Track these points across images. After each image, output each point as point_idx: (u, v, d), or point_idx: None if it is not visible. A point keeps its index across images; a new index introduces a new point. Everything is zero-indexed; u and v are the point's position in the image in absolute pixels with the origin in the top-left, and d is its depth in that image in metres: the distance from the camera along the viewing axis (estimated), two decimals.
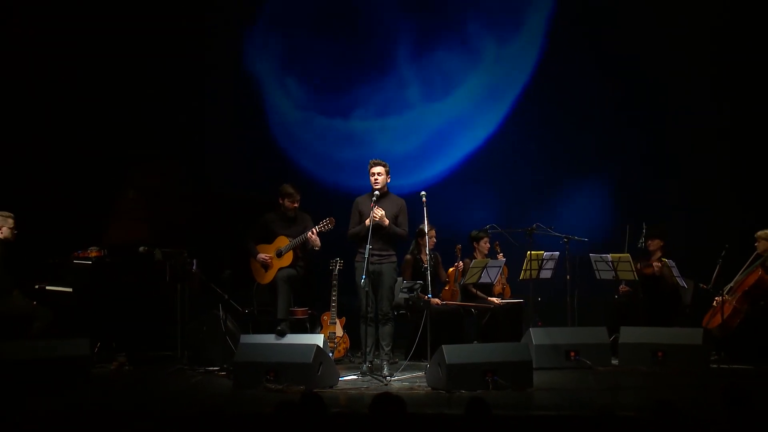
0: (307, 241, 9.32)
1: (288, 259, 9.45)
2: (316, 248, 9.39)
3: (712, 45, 11.17)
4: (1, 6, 10.96)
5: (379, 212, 8.70)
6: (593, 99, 11.51)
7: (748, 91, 11.06)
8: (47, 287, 9.49)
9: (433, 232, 9.56)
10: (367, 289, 8.74)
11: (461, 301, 10.01)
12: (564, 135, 11.60)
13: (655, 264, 9.90)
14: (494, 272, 9.88)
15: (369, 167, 8.91)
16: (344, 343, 9.66)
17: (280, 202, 9.55)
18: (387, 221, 8.75)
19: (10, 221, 9.24)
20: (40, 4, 11.10)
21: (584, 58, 11.51)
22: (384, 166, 8.92)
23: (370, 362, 8.86)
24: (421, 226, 9.33)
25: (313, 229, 9.29)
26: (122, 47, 11.24)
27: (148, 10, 11.28)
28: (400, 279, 9.50)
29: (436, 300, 9.62)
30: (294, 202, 9.53)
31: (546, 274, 9.88)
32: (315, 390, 7.35)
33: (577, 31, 11.58)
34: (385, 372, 8.69)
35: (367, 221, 8.72)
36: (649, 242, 9.93)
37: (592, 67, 11.45)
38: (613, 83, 11.42)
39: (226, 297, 9.37)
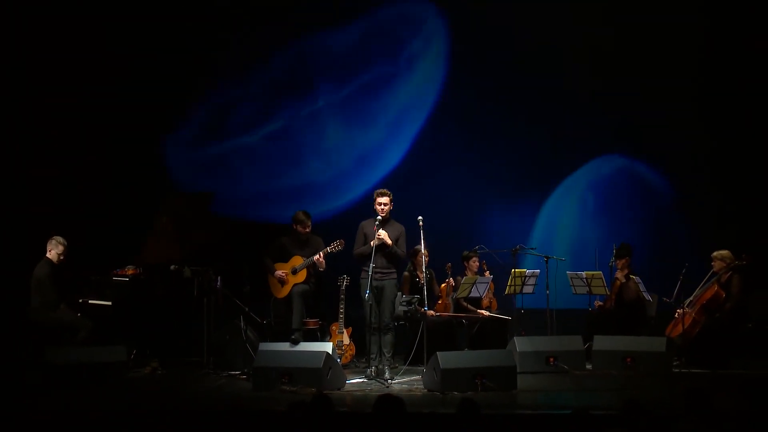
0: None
1: (302, 276, 9.45)
2: (321, 269, 9.39)
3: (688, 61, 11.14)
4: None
5: (383, 232, 8.70)
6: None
7: (714, 118, 11.04)
8: (90, 301, 9.47)
9: (426, 252, 9.54)
10: (371, 302, 8.73)
11: (454, 313, 9.97)
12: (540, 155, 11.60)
13: (619, 276, 9.89)
14: (483, 288, 9.85)
15: (375, 197, 8.90)
16: (350, 350, 9.61)
17: (294, 227, 9.56)
18: (390, 241, 8.75)
19: (61, 248, 9.28)
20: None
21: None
22: (389, 196, 8.92)
23: (374, 367, 8.83)
24: (416, 247, 9.31)
25: (320, 253, 9.29)
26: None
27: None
28: (399, 293, 9.48)
29: (432, 312, 9.57)
30: (305, 228, 9.53)
31: (528, 289, 9.87)
32: (324, 391, 7.31)
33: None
34: (387, 376, 8.66)
35: (372, 242, 8.72)
36: (618, 261, 9.93)
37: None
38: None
39: (247, 309, 9.34)
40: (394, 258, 8.91)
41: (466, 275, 10.04)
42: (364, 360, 9.31)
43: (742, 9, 10.92)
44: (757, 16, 10.88)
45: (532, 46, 11.18)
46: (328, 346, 8.87)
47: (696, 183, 11.06)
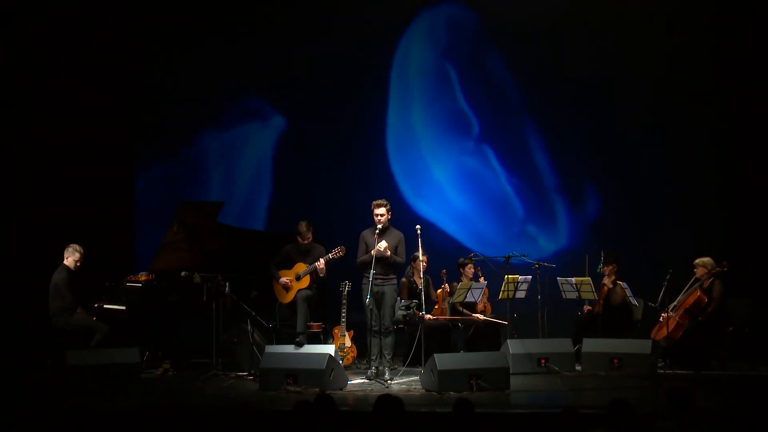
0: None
1: (305, 282, 9.48)
2: (322, 275, 9.42)
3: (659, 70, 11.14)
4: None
5: (383, 245, 8.71)
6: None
7: (690, 130, 11.05)
8: (105, 305, 9.50)
9: (426, 258, 9.55)
10: (371, 307, 8.75)
11: (450, 317, 9.99)
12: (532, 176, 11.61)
13: (606, 282, 9.92)
14: (477, 293, 9.86)
15: (372, 207, 8.93)
16: (352, 352, 9.61)
17: (296, 237, 9.60)
18: (389, 252, 8.77)
19: (77, 255, 9.35)
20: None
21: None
22: (386, 206, 8.93)
23: (374, 368, 8.85)
24: (415, 254, 9.32)
25: (321, 259, 9.32)
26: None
27: None
28: (398, 298, 9.48)
29: (429, 316, 9.59)
30: (304, 239, 9.55)
31: (521, 294, 9.83)
32: (327, 391, 7.33)
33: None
34: (387, 376, 8.67)
35: (372, 252, 8.74)
36: (605, 268, 9.95)
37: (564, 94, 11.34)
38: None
39: (253, 314, 9.34)
40: (395, 266, 8.94)
41: (461, 281, 10.06)
42: (365, 361, 9.32)
43: None
44: None
45: None
46: (330, 349, 8.90)
47: (680, 194, 11.09)
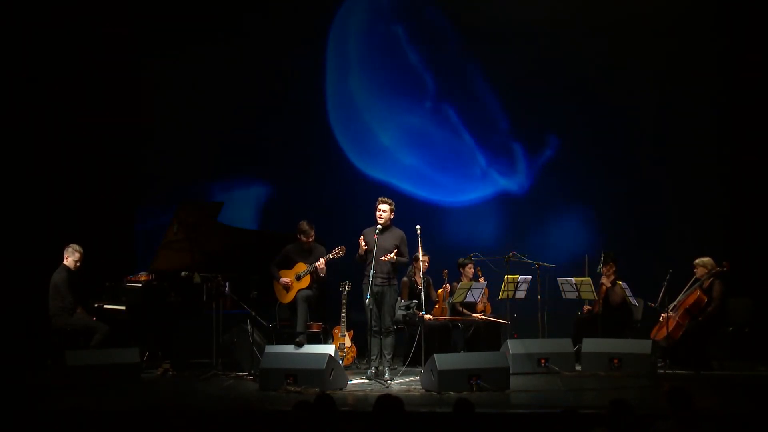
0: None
1: (306, 282, 9.49)
2: (322, 275, 9.42)
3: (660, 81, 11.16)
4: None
5: (385, 256, 8.73)
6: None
7: (690, 130, 11.07)
8: (105, 305, 9.50)
9: (427, 258, 9.55)
10: (371, 307, 8.75)
11: (450, 317, 9.99)
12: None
13: (604, 282, 9.92)
14: (477, 293, 9.87)
15: (377, 203, 8.93)
16: (352, 352, 9.61)
17: (298, 236, 9.60)
18: (389, 256, 8.76)
19: (77, 255, 9.37)
20: None
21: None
22: (390, 204, 8.92)
23: (374, 368, 8.85)
24: (416, 254, 9.31)
25: (321, 259, 9.32)
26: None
27: None
28: (398, 299, 9.49)
29: (429, 316, 9.59)
30: (308, 237, 9.56)
31: (521, 294, 9.83)
32: (327, 391, 7.33)
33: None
34: (387, 376, 8.67)
35: (360, 252, 8.79)
36: (605, 268, 9.95)
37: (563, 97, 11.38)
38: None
39: (254, 314, 9.32)
40: (399, 266, 8.94)
41: (461, 281, 10.07)
42: (365, 361, 9.32)
43: None
44: None
45: None
46: (330, 349, 8.90)
47: (680, 194, 11.10)
